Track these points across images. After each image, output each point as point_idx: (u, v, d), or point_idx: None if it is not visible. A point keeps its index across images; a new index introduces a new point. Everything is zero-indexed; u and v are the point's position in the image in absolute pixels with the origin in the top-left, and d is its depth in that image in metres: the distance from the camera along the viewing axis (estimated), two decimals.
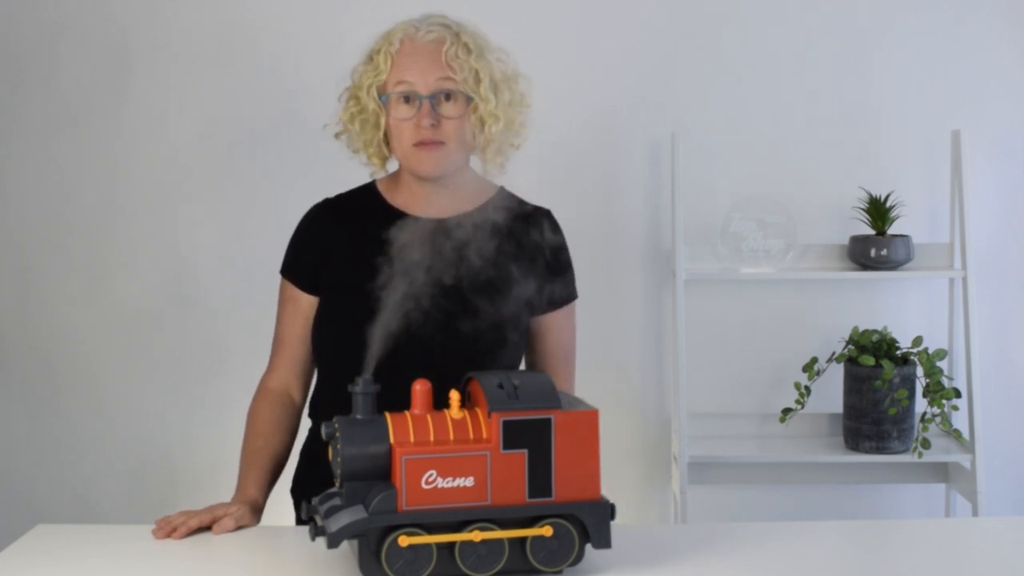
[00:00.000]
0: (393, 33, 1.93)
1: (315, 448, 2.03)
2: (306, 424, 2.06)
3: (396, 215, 2.00)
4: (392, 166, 2.03)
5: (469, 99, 1.91)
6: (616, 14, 3.19)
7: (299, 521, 2.04)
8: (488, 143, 1.94)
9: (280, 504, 2.09)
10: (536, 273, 2.01)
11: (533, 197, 2.09)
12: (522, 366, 2.09)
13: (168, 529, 1.80)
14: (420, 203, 2.00)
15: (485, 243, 1.99)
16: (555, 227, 2.06)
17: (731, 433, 3.20)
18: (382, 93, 1.92)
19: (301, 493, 2.06)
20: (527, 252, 2.01)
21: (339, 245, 2.00)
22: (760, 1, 3.20)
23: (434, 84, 1.89)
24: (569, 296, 2.08)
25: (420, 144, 1.91)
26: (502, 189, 2.06)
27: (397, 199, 2.02)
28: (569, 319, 2.09)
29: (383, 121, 1.94)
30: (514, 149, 2.00)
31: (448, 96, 1.90)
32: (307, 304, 2.02)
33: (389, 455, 1.58)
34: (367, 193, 2.05)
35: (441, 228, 1.99)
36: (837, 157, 3.20)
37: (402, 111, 1.91)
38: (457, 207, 2.01)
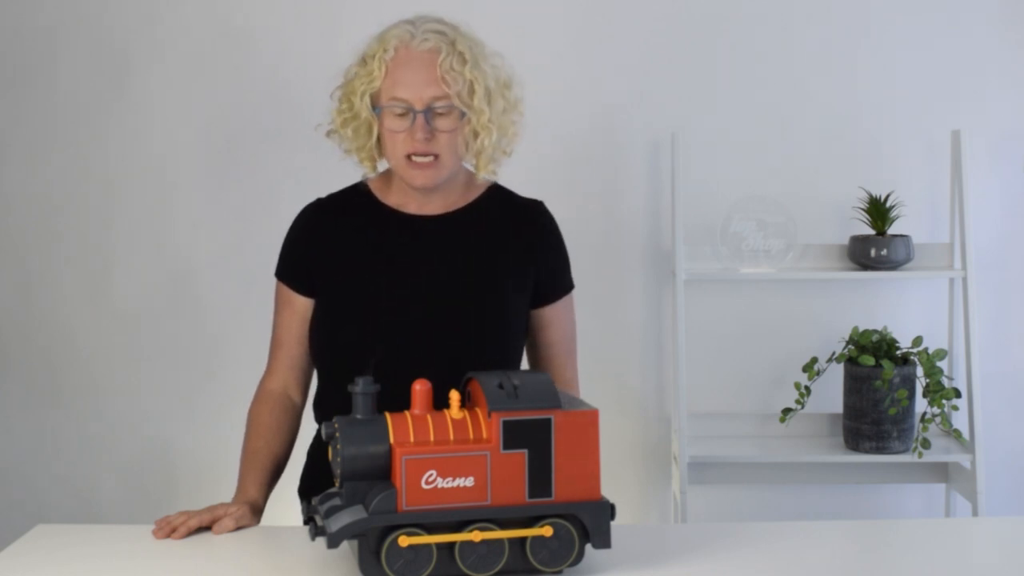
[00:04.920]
0: (388, 39, 1.92)
1: (321, 448, 2.03)
2: (312, 424, 2.06)
3: (390, 214, 2.00)
4: (383, 165, 2.03)
5: (463, 113, 1.91)
6: (617, 13, 3.19)
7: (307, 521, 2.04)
8: (481, 152, 1.94)
9: (282, 504, 2.09)
10: (533, 266, 2.01)
11: (534, 196, 2.09)
12: (524, 359, 2.09)
13: (168, 529, 1.80)
14: (413, 201, 2.00)
15: (480, 239, 1.99)
16: (549, 218, 2.06)
17: (731, 433, 3.19)
18: (376, 104, 1.92)
19: (308, 493, 2.06)
20: (523, 245, 2.01)
21: (333, 246, 2.00)
22: (760, 1, 3.20)
23: (428, 99, 1.89)
24: (567, 286, 2.08)
25: (413, 156, 1.91)
26: (494, 184, 2.06)
27: (390, 198, 2.02)
28: (569, 309, 2.09)
29: (376, 129, 1.94)
30: (506, 156, 2.00)
31: (442, 110, 1.90)
32: (303, 306, 2.02)
33: (389, 455, 1.58)
34: (359, 193, 2.04)
35: (435, 226, 1.99)
36: (837, 157, 3.21)
37: (396, 123, 1.91)
38: (450, 204, 2.01)
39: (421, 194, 1.98)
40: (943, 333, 3.18)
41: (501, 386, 1.60)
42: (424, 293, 1.95)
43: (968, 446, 2.99)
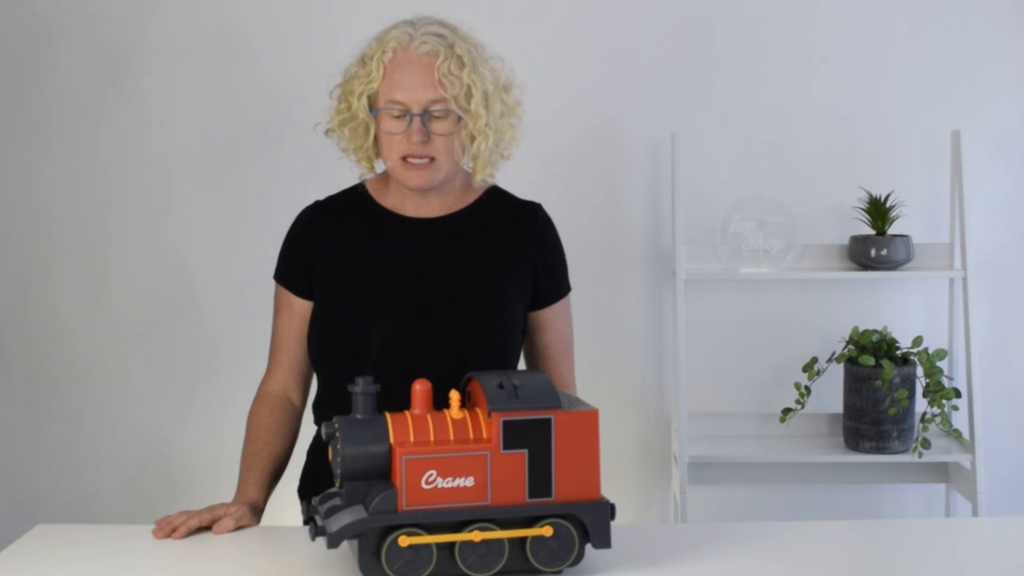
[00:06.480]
0: (387, 40, 1.91)
1: (321, 448, 2.03)
2: (312, 424, 2.06)
3: (388, 216, 2.00)
4: (381, 166, 2.03)
5: (460, 116, 1.91)
6: (617, 14, 3.19)
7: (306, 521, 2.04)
8: (478, 156, 1.94)
9: (282, 504, 2.09)
10: (531, 268, 2.01)
11: (533, 197, 2.09)
12: (521, 361, 2.09)
13: (168, 529, 1.80)
14: (411, 203, 2.00)
15: (479, 241, 1.99)
16: (547, 220, 2.06)
17: (731, 433, 3.20)
18: (373, 105, 1.92)
19: (308, 493, 2.06)
20: (521, 247, 2.01)
21: (331, 248, 2.00)
22: (760, 1, 3.20)
23: (425, 102, 1.88)
24: (565, 289, 2.08)
25: (409, 158, 1.91)
26: (492, 186, 2.06)
27: (387, 200, 2.02)
28: (566, 312, 2.09)
29: (373, 129, 1.94)
30: (504, 159, 2.00)
31: (439, 114, 1.90)
32: (302, 308, 2.02)
33: (389, 455, 1.58)
34: (357, 195, 2.04)
35: (433, 228, 1.99)
36: (837, 157, 3.21)
37: (392, 125, 1.91)
38: (448, 206, 2.01)
39: (419, 196, 1.98)
40: (943, 333, 3.19)
41: (501, 386, 1.60)
42: (422, 295, 1.95)
43: (968, 446, 2.99)
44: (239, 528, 1.84)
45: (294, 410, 2.05)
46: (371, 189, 2.04)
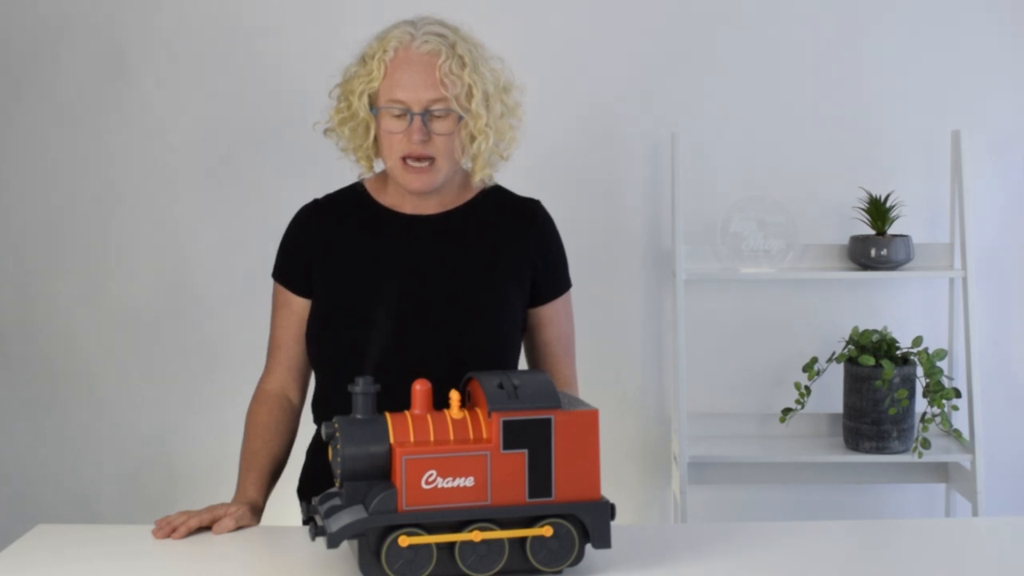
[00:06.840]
0: (388, 39, 1.92)
1: (320, 448, 2.03)
2: (311, 424, 2.06)
3: (386, 214, 2.00)
4: (380, 166, 2.03)
5: (460, 116, 1.91)
6: (616, 14, 3.19)
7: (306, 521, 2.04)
8: (477, 156, 1.94)
9: (282, 504, 2.09)
10: (531, 264, 2.01)
11: (533, 195, 2.09)
12: (522, 358, 2.09)
13: (168, 529, 1.80)
14: (409, 202, 2.00)
15: (477, 238, 1.99)
16: (546, 217, 2.06)
17: (731, 433, 3.20)
18: (374, 104, 1.93)
19: (307, 493, 2.06)
20: (520, 244, 2.01)
21: (329, 247, 2.00)
22: (760, 1, 3.20)
23: (426, 101, 1.89)
24: (565, 285, 2.08)
25: (408, 159, 1.91)
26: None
27: (385, 198, 2.02)
28: (566, 308, 2.09)
29: (373, 129, 1.94)
30: (503, 160, 2.00)
31: (440, 113, 1.90)
32: (300, 307, 2.02)
33: (389, 455, 1.58)
34: (355, 193, 2.04)
35: (432, 225, 1.99)
36: (837, 157, 3.21)
37: (393, 125, 1.91)
38: (447, 203, 2.01)
39: (417, 195, 1.98)
40: (943, 333, 3.18)
41: (501, 386, 1.60)
42: (421, 293, 1.95)
43: (968, 446, 2.99)
44: (239, 528, 1.84)
45: (292, 409, 2.05)
46: (369, 187, 2.04)
